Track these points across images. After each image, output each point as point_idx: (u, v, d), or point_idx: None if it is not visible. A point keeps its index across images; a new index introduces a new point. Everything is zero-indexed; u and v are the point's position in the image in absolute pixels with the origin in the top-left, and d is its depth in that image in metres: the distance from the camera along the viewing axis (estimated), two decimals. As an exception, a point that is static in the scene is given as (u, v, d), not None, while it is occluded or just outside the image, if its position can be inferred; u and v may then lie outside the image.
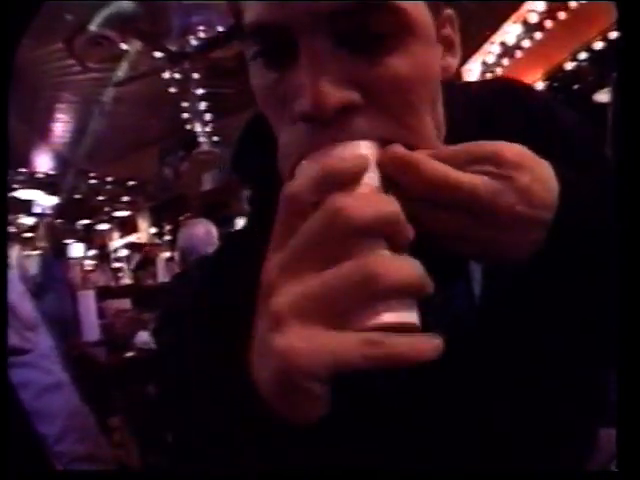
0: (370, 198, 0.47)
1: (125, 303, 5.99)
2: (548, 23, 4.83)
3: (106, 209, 13.97)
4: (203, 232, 3.61)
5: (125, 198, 13.03)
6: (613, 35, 4.28)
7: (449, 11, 0.66)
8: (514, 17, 5.16)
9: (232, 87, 7.22)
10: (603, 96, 4.43)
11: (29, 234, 9.31)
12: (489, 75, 5.58)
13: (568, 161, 0.67)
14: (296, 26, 0.55)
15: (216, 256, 0.93)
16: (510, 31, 5.26)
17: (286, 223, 0.47)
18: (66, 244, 8.01)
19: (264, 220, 0.55)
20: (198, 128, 8.01)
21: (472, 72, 5.68)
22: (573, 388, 0.71)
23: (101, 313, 5.42)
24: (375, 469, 0.64)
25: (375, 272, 0.43)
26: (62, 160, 9.97)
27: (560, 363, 0.66)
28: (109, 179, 11.56)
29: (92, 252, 13.93)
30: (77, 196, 11.86)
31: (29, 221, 10.69)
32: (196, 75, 7.03)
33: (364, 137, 0.54)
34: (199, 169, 9.52)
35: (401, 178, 0.51)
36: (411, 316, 0.46)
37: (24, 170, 10.00)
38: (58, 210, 11.34)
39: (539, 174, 0.53)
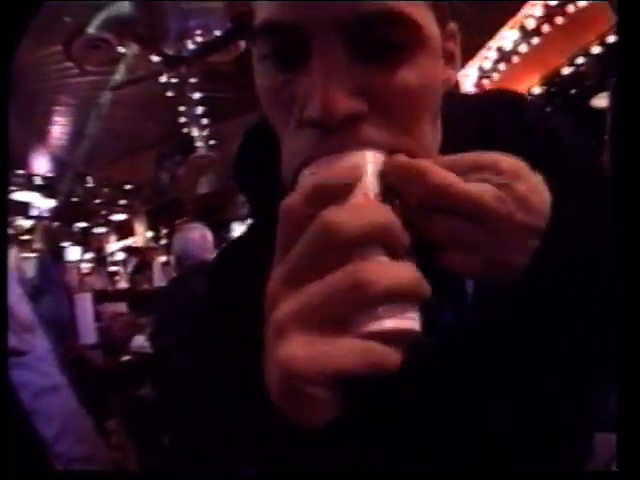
0: (360, 209, 0.47)
1: (121, 307, 6.00)
2: (545, 28, 4.84)
3: (103, 212, 13.94)
4: (199, 237, 3.63)
5: (122, 202, 13.02)
6: (611, 39, 4.29)
7: (453, 25, 0.67)
8: (511, 22, 5.17)
9: (229, 91, 7.24)
10: (600, 101, 4.45)
11: (26, 236, 9.28)
12: (486, 81, 5.59)
13: (563, 171, 0.68)
14: (311, 29, 0.55)
15: (218, 264, 0.94)
16: (507, 36, 5.26)
17: (285, 235, 0.48)
18: (63, 247, 7.99)
19: (265, 228, 0.56)
20: (195, 132, 8.03)
21: (468, 78, 5.68)
22: (571, 388, 0.71)
23: (98, 316, 5.41)
24: (375, 469, 0.64)
25: (364, 279, 0.43)
26: (60, 163, 9.97)
27: (557, 364, 0.67)
28: (106, 182, 11.55)
29: (89, 255, 13.91)
30: (74, 199, 11.85)
31: (26, 223, 10.67)
32: (193, 79, 7.04)
33: (369, 145, 0.54)
34: (195, 173, 9.52)
35: (407, 185, 0.51)
36: (409, 322, 0.46)
37: (22, 172, 9.99)
38: (55, 213, 11.32)
39: (534, 184, 0.54)
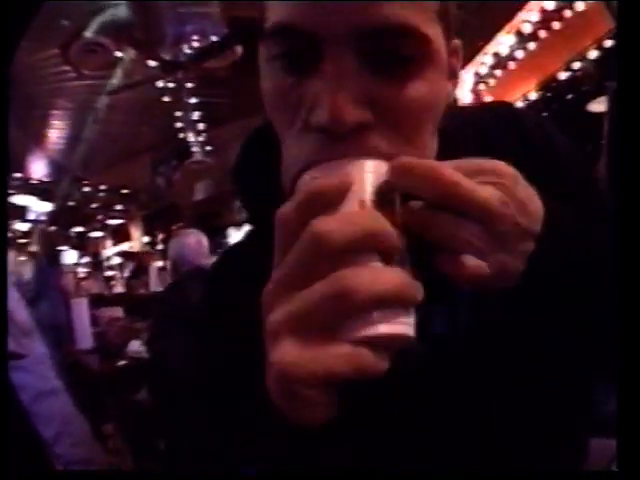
0: (351, 217, 0.47)
1: (117, 311, 5.99)
2: (542, 33, 4.84)
3: (99, 217, 13.93)
4: (194, 242, 3.65)
5: (118, 206, 13.01)
6: (608, 44, 4.30)
7: (457, 42, 0.68)
8: (508, 27, 5.16)
9: (225, 97, 7.24)
10: (597, 106, 4.45)
11: (23, 240, 9.26)
12: (482, 86, 5.59)
13: (560, 176, 0.68)
14: (325, 34, 0.55)
15: (217, 268, 0.94)
16: (503, 42, 5.26)
17: (281, 242, 0.48)
18: (60, 251, 7.98)
19: (263, 233, 0.56)
20: (191, 137, 8.02)
21: (464, 83, 5.66)
22: (567, 389, 0.72)
23: (94, 321, 5.41)
24: (375, 469, 0.64)
25: (348, 286, 0.44)
26: (57, 167, 9.96)
27: (554, 366, 0.67)
28: (102, 187, 11.54)
29: (85, 260, 13.90)
30: (71, 203, 11.83)
31: (23, 227, 10.65)
32: (189, 84, 7.03)
33: (373, 154, 0.54)
34: (192, 179, 9.51)
35: (416, 183, 0.51)
36: (402, 327, 0.47)
37: (18, 175, 9.97)
38: (52, 217, 11.30)
39: (531, 191, 0.55)
